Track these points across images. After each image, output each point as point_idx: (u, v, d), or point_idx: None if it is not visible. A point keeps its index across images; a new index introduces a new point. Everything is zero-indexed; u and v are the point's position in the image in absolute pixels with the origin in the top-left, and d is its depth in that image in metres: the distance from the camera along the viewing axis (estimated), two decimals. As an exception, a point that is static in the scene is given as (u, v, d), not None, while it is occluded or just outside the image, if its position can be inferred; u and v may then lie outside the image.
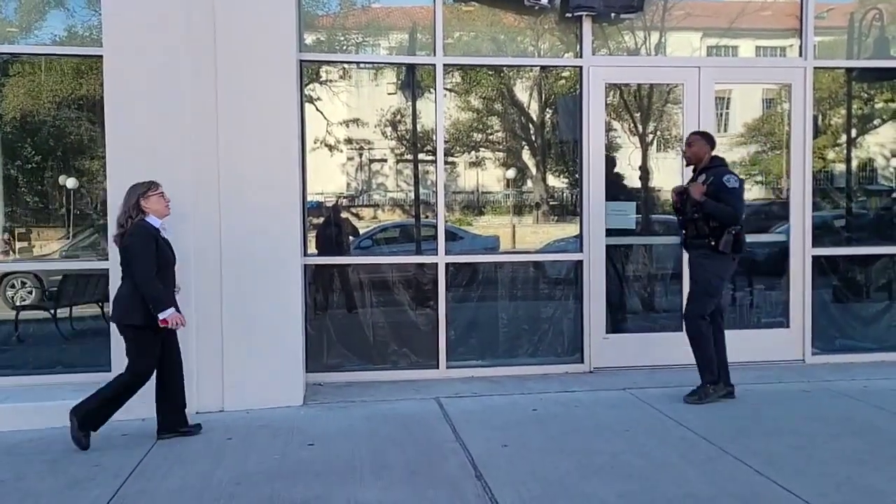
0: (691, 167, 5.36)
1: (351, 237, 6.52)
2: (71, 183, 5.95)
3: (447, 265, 5.95)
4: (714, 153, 5.28)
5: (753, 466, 3.98)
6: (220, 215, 5.15)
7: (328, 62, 6.26)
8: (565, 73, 6.62)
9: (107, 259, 5.16)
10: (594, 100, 6.05)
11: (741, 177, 5.27)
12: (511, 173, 6.85)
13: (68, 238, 6.08)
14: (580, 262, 6.12)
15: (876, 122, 7.06)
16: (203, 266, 5.11)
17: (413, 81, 6.34)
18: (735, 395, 5.27)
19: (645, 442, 4.43)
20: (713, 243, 5.11)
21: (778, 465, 4.00)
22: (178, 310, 4.44)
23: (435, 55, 5.92)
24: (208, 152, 5.13)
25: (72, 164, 6.00)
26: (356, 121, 6.53)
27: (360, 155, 6.70)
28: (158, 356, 4.49)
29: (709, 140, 5.33)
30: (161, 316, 4.32)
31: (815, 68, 6.27)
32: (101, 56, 5.12)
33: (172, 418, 4.64)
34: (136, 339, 4.43)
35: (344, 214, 6.53)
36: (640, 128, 6.73)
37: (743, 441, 4.38)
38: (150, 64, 5.05)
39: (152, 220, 4.49)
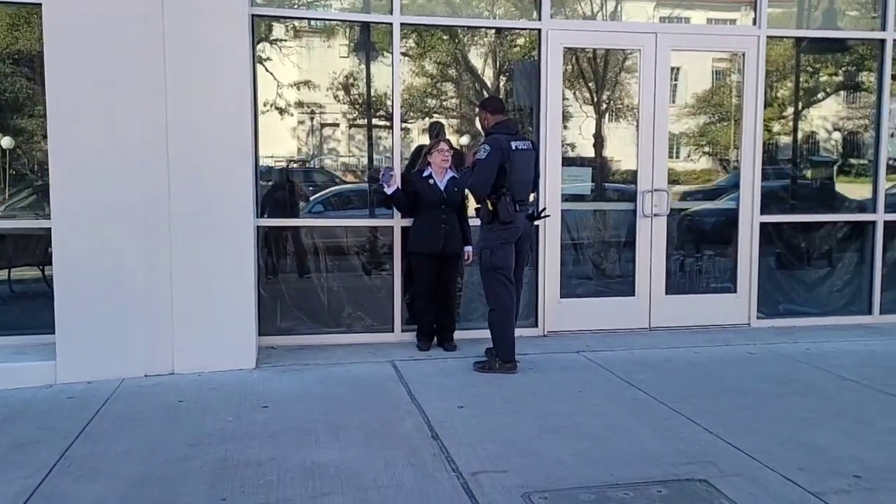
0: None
1: (301, 203, 6.36)
2: (6, 142, 5.67)
3: (402, 228, 5.89)
4: (507, 118, 5.25)
5: (703, 425, 4.09)
6: (170, 175, 4.98)
7: (281, 17, 6.06)
8: (520, 41, 6.56)
9: (48, 219, 4.96)
10: (552, 64, 6.03)
11: (518, 144, 5.07)
12: (465, 139, 6.80)
13: (4, 198, 5.81)
14: (536, 228, 6.13)
15: (820, 94, 7.22)
16: (151, 227, 4.95)
17: (367, 43, 6.20)
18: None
19: (598, 403, 4.51)
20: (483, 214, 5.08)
21: (726, 423, 4.12)
22: None
23: (392, 14, 5.79)
24: (156, 109, 4.92)
25: (7, 122, 5.71)
26: (308, 83, 6.34)
27: (312, 119, 6.54)
28: None
29: (487, 107, 5.28)
30: None
31: (768, 37, 6.37)
32: (39, 4, 4.85)
33: None
34: None
35: (295, 179, 6.38)
36: (596, 95, 6.74)
37: (693, 401, 4.49)
38: (93, 15, 4.80)
39: None
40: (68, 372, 4.82)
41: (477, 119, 6.69)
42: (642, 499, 3.19)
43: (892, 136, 6.77)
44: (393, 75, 5.83)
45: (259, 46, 5.81)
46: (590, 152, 6.73)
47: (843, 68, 7.15)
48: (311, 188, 6.50)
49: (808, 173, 7.27)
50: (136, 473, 3.45)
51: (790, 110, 7.01)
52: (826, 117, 7.16)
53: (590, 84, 6.72)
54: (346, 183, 6.75)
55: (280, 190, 6.22)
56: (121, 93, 4.87)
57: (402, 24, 5.85)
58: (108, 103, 4.86)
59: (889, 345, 5.97)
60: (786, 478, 3.41)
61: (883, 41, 6.59)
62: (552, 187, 6.08)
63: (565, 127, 6.31)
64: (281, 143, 6.37)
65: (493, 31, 6.50)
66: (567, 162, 6.28)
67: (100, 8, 4.81)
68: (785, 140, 7.04)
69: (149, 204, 4.95)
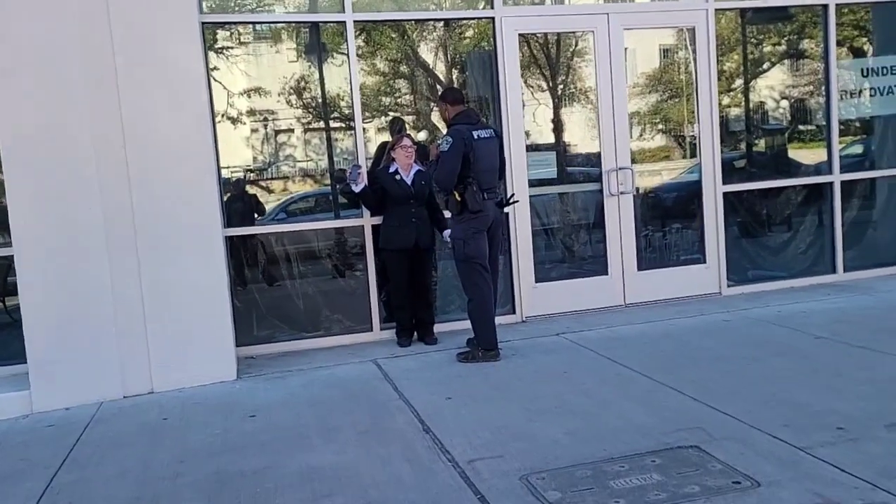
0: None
1: (256, 214, 6.24)
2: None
3: (373, 227, 5.86)
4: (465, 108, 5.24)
5: (688, 394, 4.16)
6: (131, 188, 4.88)
7: (230, 23, 5.98)
8: (470, 32, 6.58)
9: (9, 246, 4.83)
10: (508, 51, 6.05)
11: (482, 133, 5.07)
12: (422, 135, 6.79)
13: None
14: (506, 216, 6.16)
15: (766, 64, 7.38)
16: (116, 244, 4.85)
17: (318, 44, 6.16)
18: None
19: (584, 381, 4.55)
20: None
21: (709, 389, 4.20)
22: None
23: (344, 11, 5.75)
24: (112, 126, 4.82)
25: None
26: (258, 90, 6.28)
27: (266, 126, 6.47)
28: None
29: (446, 98, 5.28)
30: None
31: (716, 10, 6.48)
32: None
33: None
34: None
35: (251, 189, 6.29)
36: (553, 80, 6.79)
37: (676, 372, 4.57)
38: (30, 37, 4.67)
39: None
40: (44, 400, 4.71)
41: (436, 112, 6.74)
42: (637, 470, 3.23)
43: (840, 99, 6.94)
44: (350, 73, 5.79)
45: (208, 56, 5.71)
46: (552, 137, 6.79)
47: (788, 37, 7.32)
48: (268, 196, 6.42)
49: (763, 142, 7.44)
50: (128, 495, 3.38)
51: (739, 82, 7.15)
52: (774, 86, 7.32)
53: (545, 71, 6.77)
54: (306, 188, 6.70)
55: (240, 200, 6.13)
56: (72, 113, 4.76)
57: (355, 21, 5.81)
58: (59, 124, 4.74)
59: (855, 301, 6.14)
60: (773, 436, 3.49)
61: (826, 6, 6.75)
62: (518, 174, 6.11)
63: (526, 114, 6.34)
64: (235, 152, 6.28)
65: (446, 22, 6.50)
66: (531, 148, 6.33)
67: (40, 32, 4.68)
68: (736, 111, 7.18)
69: (112, 222, 4.84)
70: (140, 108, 4.88)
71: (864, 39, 7.42)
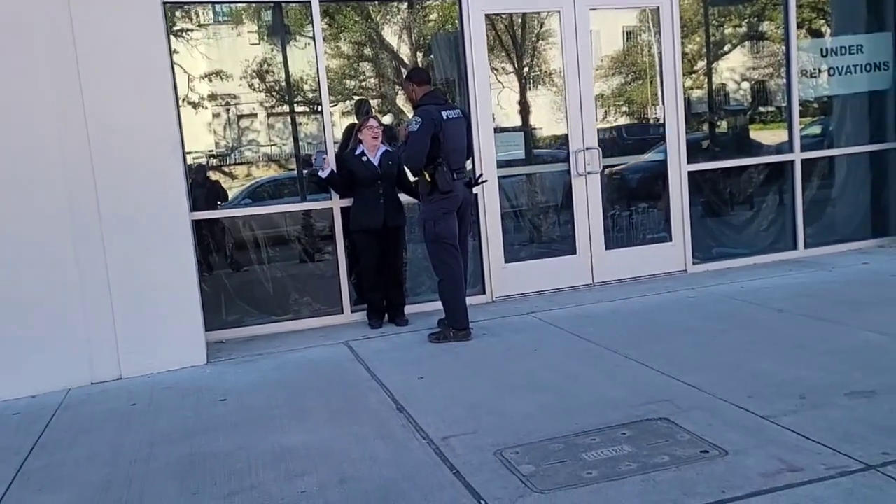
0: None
1: (218, 201, 6.15)
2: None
3: (342, 209, 5.84)
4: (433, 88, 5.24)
5: (655, 367, 4.24)
6: (94, 173, 4.79)
7: (192, 2, 5.88)
8: (434, 15, 6.56)
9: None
10: (475, 31, 6.05)
11: (450, 113, 5.07)
12: (388, 119, 6.77)
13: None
14: (476, 196, 6.17)
15: (728, 46, 7.48)
16: (81, 231, 4.77)
17: (282, 26, 6.08)
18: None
19: (554, 358, 4.61)
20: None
21: (677, 363, 4.28)
22: None
23: (309, -8, 5.69)
24: (73, 110, 4.72)
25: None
26: (220, 73, 6.19)
27: (228, 110, 6.38)
28: None
29: (413, 78, 5.27)
30: None
31: (680, -10, 6.55)
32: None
33: None
34: None
35: (214, 174, 6.21)
36: (519, 61, 6.80)
37: (643, 346, 4.65)
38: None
39: None
40: (9, 388, 4.62)
41: (402, 95, 6.72)
42: (609, 442, 3.29)
43: (800, 79, 7.07)
44: (317, 55, 5.75)
45: (170, 38, 5.62)
46: (520, 118, 6.81)
47: (749, 19, 7.42)
48: (232, 182, 6.35)
49: (725, 122, 7.55)
50: (99, 478, 3.35)
51: (702, 63, 7.24)
52: (735, 68, 7.43)
53: (511, 53, 6.78)
54: (271, 172, 6.63)
55: (203, 185, 6.03)
56: (36, 95, 4.66)
57: (320, 1, 5.75)
58: (24, 107, 4.63)
59: (816, 276, 6.30)
60: (738, 406, 3.58)
61: (787, -14, 6.86)
62: (487, 154, 6.13)
63: (493, 95, 6.35)
64: (197, 138, 6.17)
65: (410, 3, 6.46)
66: (499, 129, 6.35)
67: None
68: (699, 93, 7.28)
69: (76, 207, 4.75)
70: (102, 90, 4.78)
71: (823, 21, 7.57)
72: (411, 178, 5.46)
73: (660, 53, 6.58)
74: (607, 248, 6.51)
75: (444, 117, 5.03)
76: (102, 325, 4.84)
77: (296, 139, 6.19)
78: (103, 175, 4.81)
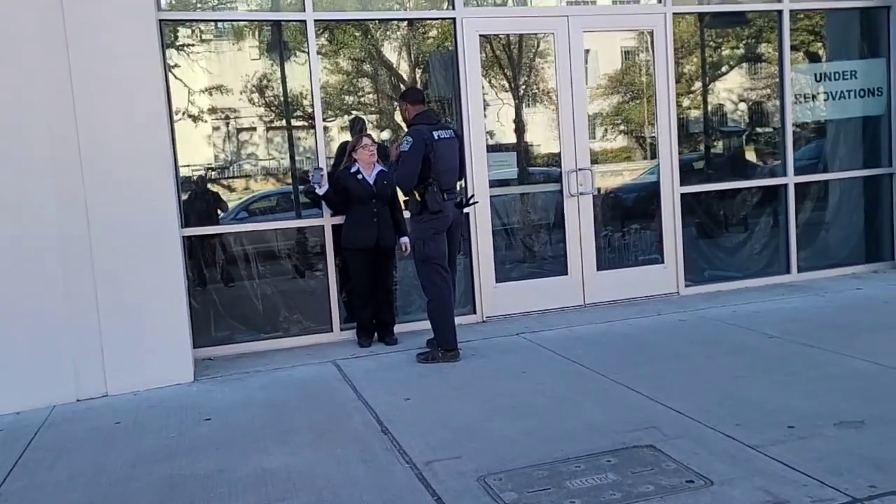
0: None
1: (220, 212, 6.16)
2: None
3: (333, 226, 5.83)
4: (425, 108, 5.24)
5: (643, 392, 4.22)
6: (86, 191, 4.78)
7: (190, 21, 5.90)
8: (433, 33, 6.58)
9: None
10: (469, 52, 6.07)
11: (442, 134, 5.07)
12: (386, 135, 6.77)
13: None
14: (466, 215, 6.17)
15: (724, 68, 7.51)
16: (70, 247, 4.74)
17: (280, 42, 6.10)
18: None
19: (542, 381, 4.58)
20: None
21: (665, 388, 4.25)
22: None
23: (305, 10, 5.70)
24: (65, 125, 4.71)
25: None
26: (220, 88, 6.20)
27: (227, 124, 6.39)
28: None
29: (407, 98, 5.28)
30: None
31: (674, 14, 6.57)
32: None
33: None
34: None
35: (213, 187, 6.21)
36: (514, 81, 6.82)
37: (632, 370, 4.62)
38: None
39: None
40: (-6, 404, 4.59)
41: (398, 112, 6.72)
42: (593, 469, 3.26)
43: (794, 102, 7.09)
44: (311, 73, 5.75)
45: (168, 53, 5.62)
46: (513, 137, 6.82)
47: (745, 41, 7.46)
48: (230, 195, 6.34)
49: (721, 144, 7.57)
50: (79, 501, 3.31)
51: (698, 85, 7.27)
52: (731, 89, 7.45)
53: (506, 71, 6.80)
54: (268, 187, 6.63)
55: (200, 199, 6.04)
56: (29, 109, 4.65)
57: (315, 20, 5.77)
58: (16, 121, 4.63)
59: (808, 301, 6.28)
60: (726, 434, 3.55)
61: (780, 12, 6.89)
62: (479, 174, 6.13)
63: (487, 114, 6.37)
64: (196, 151, 6.20)
65: (408, 22, 6.49)
66: (491, 148, 6.36)
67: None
68: (695, 113, 7.30)
69: (64, 223, 4.73)
70: (94, 106, 4.77)
71: (819, 45, 7.60)
72: (402, 197, 5.46)
73: (654, 75, 6.60)
74: (599, 268, 6.50)
75: (436, 137, 5.03)
76: (89, 341, 4.81)
77: (292, 154, 6.19)
78: (93, 191, 4.79)
